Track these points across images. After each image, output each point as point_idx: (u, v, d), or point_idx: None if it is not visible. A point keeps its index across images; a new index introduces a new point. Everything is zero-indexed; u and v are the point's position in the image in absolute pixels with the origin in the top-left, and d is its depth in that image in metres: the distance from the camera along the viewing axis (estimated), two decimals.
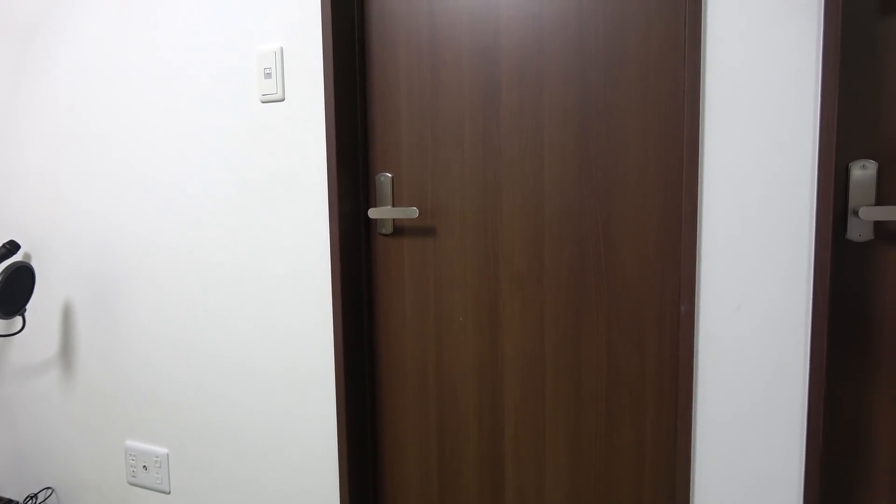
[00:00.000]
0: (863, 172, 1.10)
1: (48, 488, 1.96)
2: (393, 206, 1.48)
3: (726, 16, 1.10)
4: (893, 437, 1.13)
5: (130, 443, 1.79)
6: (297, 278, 1.50)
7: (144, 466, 1.77)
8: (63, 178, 1.79)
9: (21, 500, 2.00)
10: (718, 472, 1.18)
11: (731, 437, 1.17)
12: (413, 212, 1.39)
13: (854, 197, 1.11)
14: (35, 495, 1.95)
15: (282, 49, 1.45)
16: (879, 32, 1.07)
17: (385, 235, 1.50)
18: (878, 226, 1.10)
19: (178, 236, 1.64)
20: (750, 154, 1.11)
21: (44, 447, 1.97)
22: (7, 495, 2.04)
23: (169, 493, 1.76)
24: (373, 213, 1.45)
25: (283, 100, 1.46)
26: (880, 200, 1.10)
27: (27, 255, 1.88)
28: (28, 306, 1.89)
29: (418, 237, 1.47)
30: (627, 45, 1.24)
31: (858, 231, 1.11)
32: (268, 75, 1.46)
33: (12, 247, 1.78)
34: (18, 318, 1.89)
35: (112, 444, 1.83)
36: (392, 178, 1.48)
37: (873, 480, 1.15)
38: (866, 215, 1.07)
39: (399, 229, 1.48)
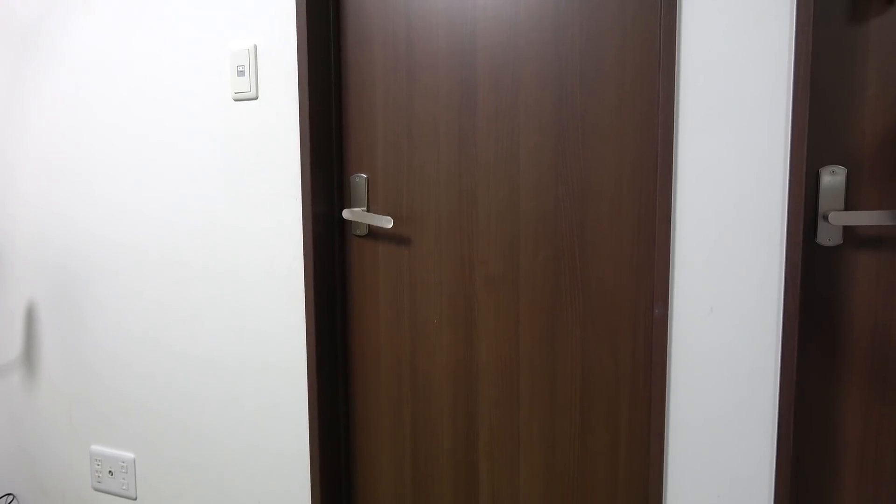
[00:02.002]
0: (832, 178, 1.11)
1: (9, 495, 1.91)
2: (368, 207, 1.47)
3: (701, 22, 1.11)
4: (862, 438, 1.15)
5: (96, 447, 1.75)
6: (269, 278, 1.47)
7: (110, 472, 1.73)
8: (25, 175, 1.74)
9: None
10: (691, 475, 1.19)
11: (704, 440, 1.17)
12: (387, 221, 1.36)
13: (824, 202, 1.12)
14: None
15: (255, 47, 1.42)
16: (850, 39, 1.09)
17: (360, 237, 1.49)
18: (847, 230, 1.12)
19: (146, 235, 1.60)
20: (723, 159, 1.12)
21: (5, 452, 1.91)
22: None
23: (136, 498, 1.72)
24: (346, 214, 1.43)
25: (256, 98, 1.44)
26: (849, 206, 1.12)
27: None
28: None
29: (393, 239, 1.46)
30: (603, 50, 1.24)
31: (828, 236, 1.13)
32: (241, 73, 1.43)
33: None
34: None
35: (77, 449, 1.78)
36: (367, 178, 1.46)
37: (842, 481, 1.17)
38: (836, 220, 1.09)
39: (374, 231, 1.47)
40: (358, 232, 1.49)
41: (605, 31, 1.24)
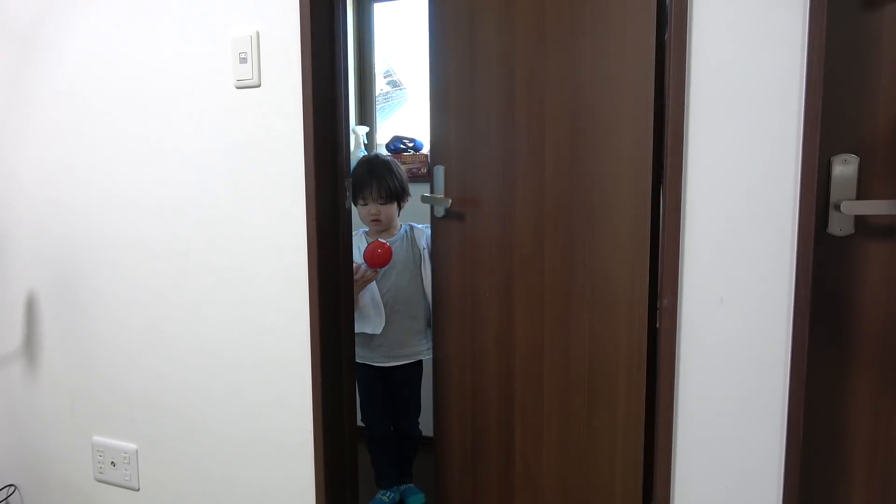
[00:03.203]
0: (844, 167, 1.10)
1: (11, 486, 1.90)
2: (446, 193, 1.62)
3: (712, 9, 1.09)
4: (871, 431, 1.14)
5: (98, 438, 1.74)
6: (273, 269, 1.46)
7: (112, 462, 1.72)
8: (25, 165, 1.72)
9: None
10: (699, 467, 1.18)
11: (713, 432, 1.16)
12: (446, 201, 1.58)
13: (836, 191, 1.11)
14: None
15: (258, 33, 1.40)
16: (863, 27, 1.08)
17: (438, 218, 1.67)
18: (859, 220, 1.11)
19: (147, 225, 1.59)
20: (734, 148, 1.10)
21: (6, 444, 1.90)
22: None
23: (138, 489, 1.71)
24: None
25: (259, 85, 1.41)
26: (861, 195, 1.10)
27: None
28: None
29: (458, 220, 1.60)
30: (610, 40, 1.24)
31: (839, 225, 1.11)
32: (243, 60, 1.41)
33: None
34: None
35: (78, 440, 1.77)
36: (445, 169, 1.61)
37: (851, 474, 1.17)
38: (848, 209, 1.07)
39: (449, 213, 1.63)
40: (438, 214, 1.67)
41: (612, 22, 1.23)
